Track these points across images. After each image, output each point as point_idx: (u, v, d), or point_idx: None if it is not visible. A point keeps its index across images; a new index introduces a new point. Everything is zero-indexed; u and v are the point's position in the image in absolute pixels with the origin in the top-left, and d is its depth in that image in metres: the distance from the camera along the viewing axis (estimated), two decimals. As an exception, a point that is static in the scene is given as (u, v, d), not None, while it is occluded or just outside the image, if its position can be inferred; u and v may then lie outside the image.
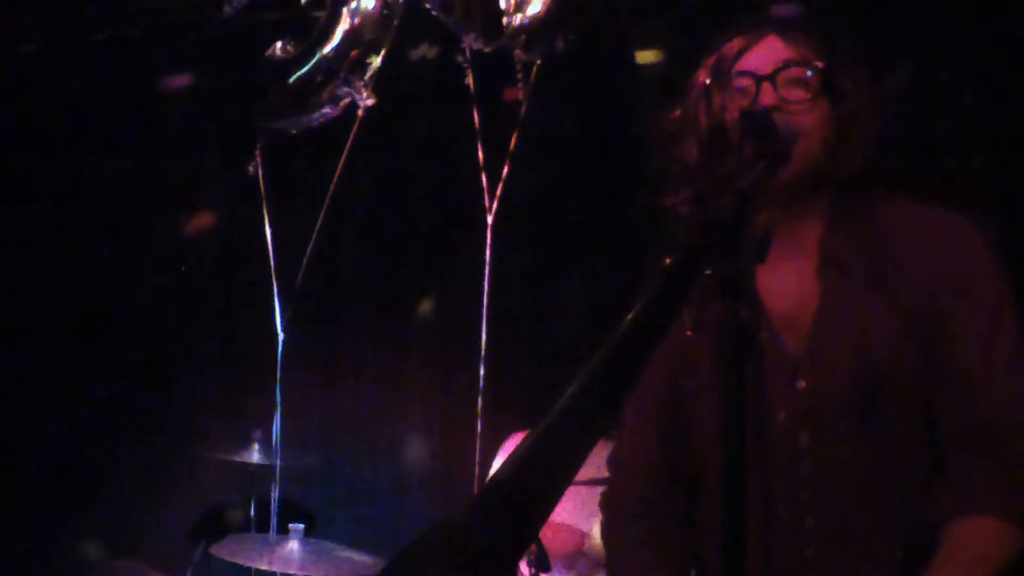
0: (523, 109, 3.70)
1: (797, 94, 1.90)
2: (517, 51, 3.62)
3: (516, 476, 1.11)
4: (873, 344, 1.88)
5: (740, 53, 1.95)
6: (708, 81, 1.95)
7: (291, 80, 3.58)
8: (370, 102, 3.50)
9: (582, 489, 4.50)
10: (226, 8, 3.73)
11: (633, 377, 1.21)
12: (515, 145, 3.76)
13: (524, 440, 1.13)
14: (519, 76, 3.67)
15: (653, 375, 2.07)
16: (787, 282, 1.94)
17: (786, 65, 1.91)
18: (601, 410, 1.18)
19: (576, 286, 5.00)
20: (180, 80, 5.33)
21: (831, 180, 1.95)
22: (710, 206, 1.39)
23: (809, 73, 1.91)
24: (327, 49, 3.61)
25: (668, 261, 1.24)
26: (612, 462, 2.26)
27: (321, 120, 3.62)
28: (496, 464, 4.82)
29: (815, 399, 1.89)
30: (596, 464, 4.53)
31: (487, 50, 3.59)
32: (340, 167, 3.79)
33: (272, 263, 3.60)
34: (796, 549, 1.91)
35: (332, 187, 3.82)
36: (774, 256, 1.52)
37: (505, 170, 3.77)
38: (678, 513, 2.12)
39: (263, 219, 3.66)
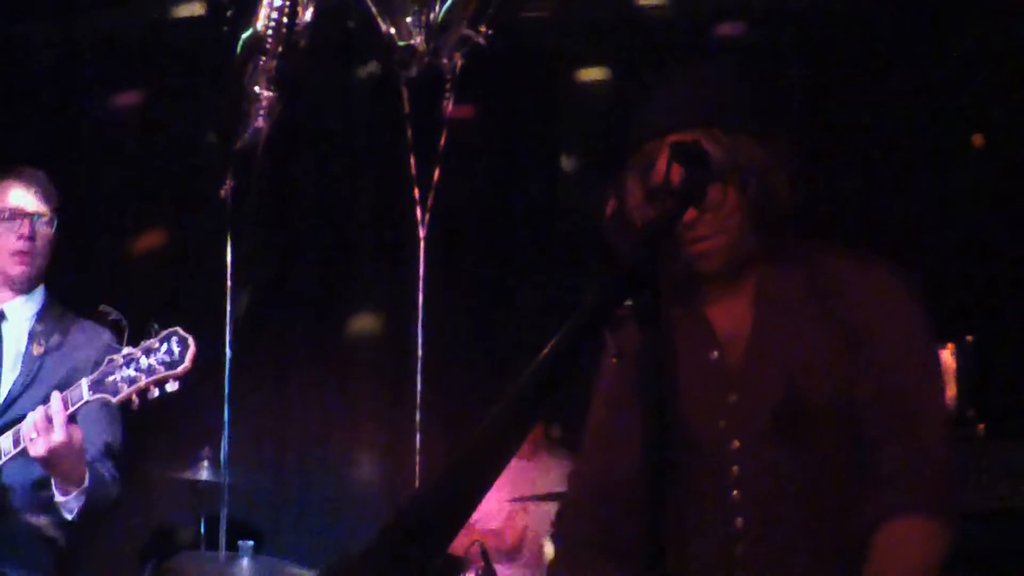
0: (448, 111, 3.75)
1: (711, 195, 1.95)
2: (444, 59, 3.69)
3: (426, 497, 1.25)
4: (799, 366, 2.01)
5: (646, 170, 2.00)
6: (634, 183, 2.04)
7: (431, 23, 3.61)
8: (481, 40, 3.58)
9: (512, 474, 4.57)
10: None
11: (545, 402, 1.32)
12: (445, 154, 3.82)
13: (449, 456, 1.28)
14: (447, 83, 3.73)
15: (597, 400, 2.22)
16: (728, 308, 2.09)
17: (686, 181, 1.93)
18: (515, 432, 1.32)
19: (518, 295, 5.06)
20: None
21: (755, 252, 2.05)
22: (631, 243, 1.47)
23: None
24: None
25: (592, 289, 1.34)
26: (568, 490, 2.35)
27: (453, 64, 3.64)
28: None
29: (745, 410, 2.03)
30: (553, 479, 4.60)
31: (420, 50, 3.64)
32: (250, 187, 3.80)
33: (229, 282, 3.62)
34: (726, 548, 2.01)
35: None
36: (717, 287, 1.92)
37: (436, 176, 3.82)
38: (623, 529, 2.17)
39: (224, 238, 3.68)
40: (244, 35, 4.00)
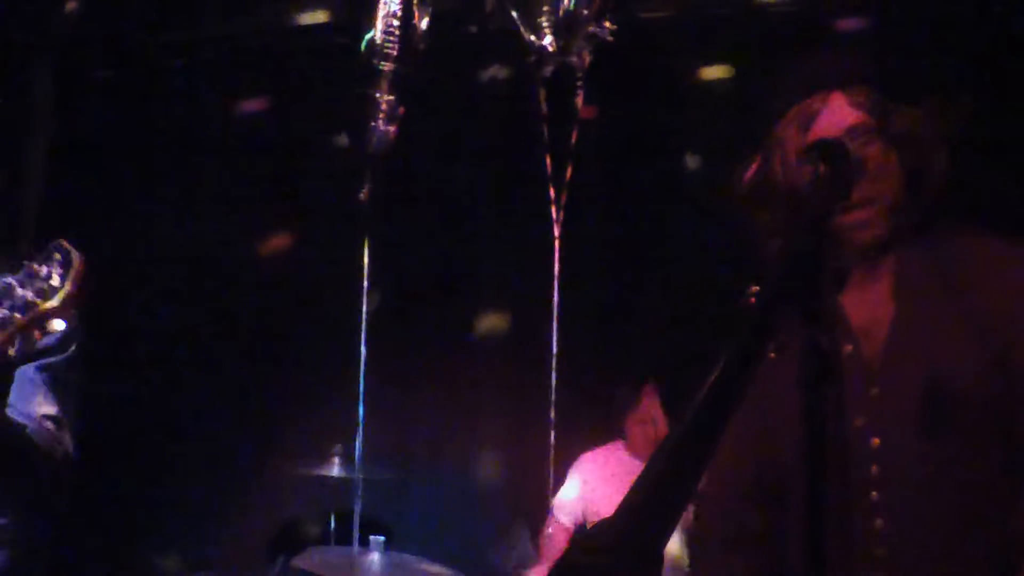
0: (579, 110, 3.76)
1: (869, 151, 1.96)
2: (573, 57, 3.70)
3: (640, 503, 1.28)
4: (944, 357, 1.95)
5: (810, 119, 2.01)
6: (783, 142, 2.02)
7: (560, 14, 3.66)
8: (609, 37, 3.62)
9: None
10: None
11: (733, 408, 1.33)
12: (576, 151, 3.83)
13: (643, 473, 1.30)
14: (578, 80, 3.74)
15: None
16: (865, 297, 2.02)
17: (852, 133, 1.96)
18: (708, 441, 1.32)
19: (647, 294, 5.05)
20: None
21: (910, 222, 2.01)
22: (789, 238, 1.46)
23: (875, 130, 1.97)
24: None
25: (754, 289, 1.33)
26: (704, 489, 2.33)
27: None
28: (568, 483, 4.87)
29: (887, 404, 1.97)
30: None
31: (553, 50, 3.67)
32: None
33: (365, 283, 3.68)
34: (866, 549, 1.97)
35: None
36: (854, 277, 1.78)
37: (568, 174, 3.83)
38: (758, 530, 2.17)
39: (361, 241, 3.75)
40: (364, 40, 4.07)
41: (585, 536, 1.25)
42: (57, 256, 2.14)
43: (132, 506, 5.36)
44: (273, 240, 5.49)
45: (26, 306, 2.10)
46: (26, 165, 5.58)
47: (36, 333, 2.14)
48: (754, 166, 2.09)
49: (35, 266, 2.12)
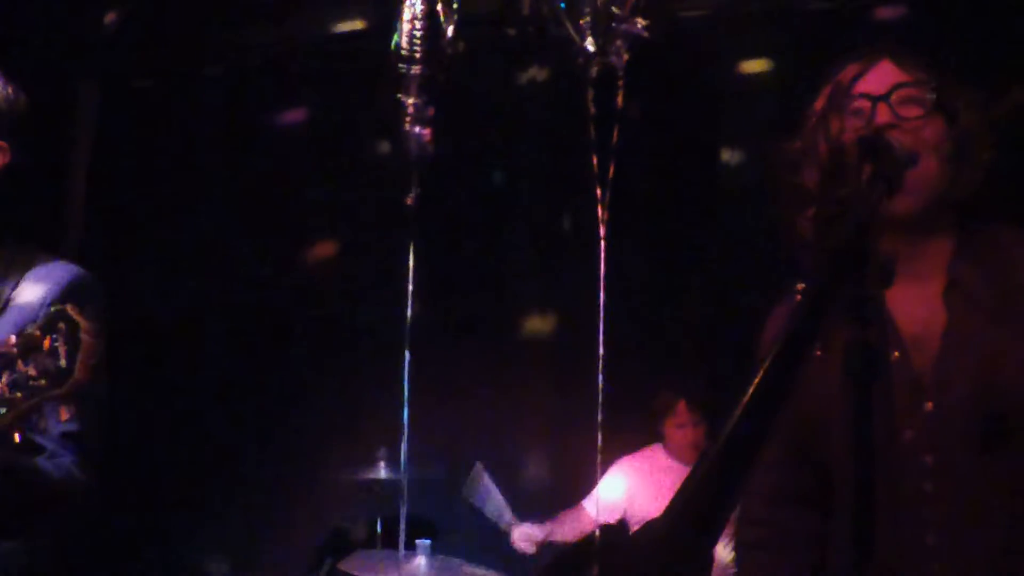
0: (621, 109, 3.75)
1: (912, 111, 1.94)
2: (612, 57, 3.70)
3: (688, 505, 1.28)
4: (1000, 369, 1.88)
5: (855, 78, 1.99)
6: (825, 106, 2.00)
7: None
8: (646, 34, 3.62)
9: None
10: None
11: (781, 409, 1.30)
12: (620, 150, 3.81)
13: (690, 475, 1.30)
14: (619, 80, 3.73)
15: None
16: (913, 303, 1.95)
17: (900, 85, 1.95)
18: (759, 438, 1.30)
19: (685, 290, 5.04)
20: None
21: (951, 202, 1.97)
22: (834, 231, 1.43)
23: (923, 92, 1.94)
24: None
25: (800, 287, 1.31)
26: (749, 494, 2.30)
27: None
28: (609, 482, 4.88)
29: (941, 420, 1.90)
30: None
31: (593, 50, 3.67)
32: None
33: (410, 286, 3.68)
34: (917, 566, 1.92)
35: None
36: (899, 277, 1.57)
37: (611, 174, 3.81)
38: (803, 532, 2.14)
39: (406, 245, 3.74)
40: (392, 42, 4.08)
41: (633, 538, 1.26)
42: (61, 326, 1.81)
43: (181, 511, 5.40)
44: (318, 246, 5.53)
45: (28, 387, 1.80)
46: (70, 174, 5.64)
47: (41, 421, 1.89)
48: (797, 140, 2.06)
49: (36, 333, 1.82)
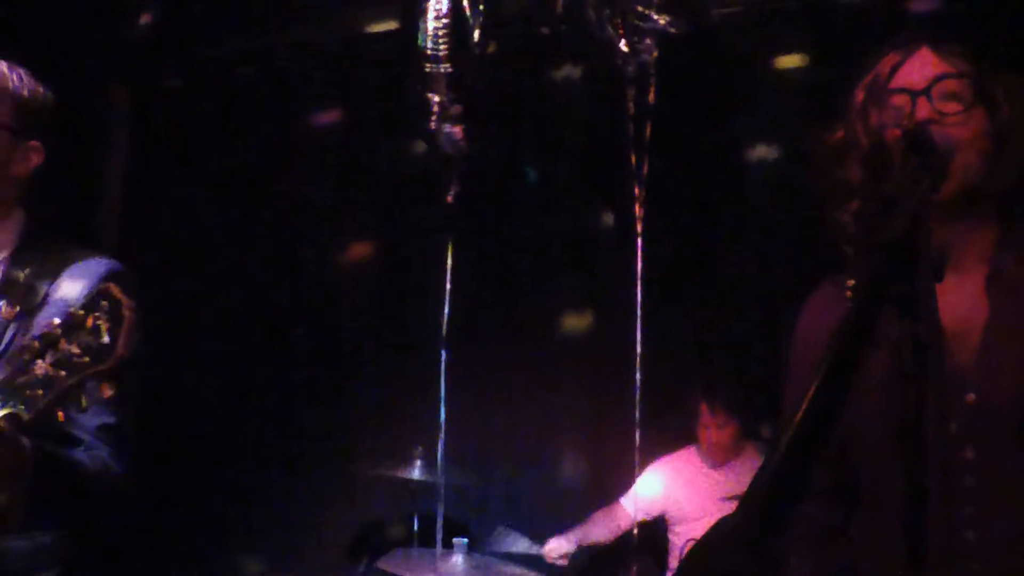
0: (653, 106, 3.74)
1: (952, 106, 1.92)
2: (643, 54, 3.69)
3: (768, 490, 1.29)
4: None
5: (894, 69, 1.98)
6: (865, 99, 1.99)
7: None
8: (673, 30, 3.62)
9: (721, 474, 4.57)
10: None
11: (839, 410, 1.31)
12: (651, 146, 3.80)
13: (766, 463, 1.31)
14: (651, 76, 3.73)
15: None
16: (955, 294, 1.93)
17: (939, 78, 1.93)
18: (822, 434, 1.30)
19: (717, 286, 5.02)
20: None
21: (991, 192, 1.95)
22: (883, 226, 1.43)
23: (963, 85, 1.93)
24: None
25: (850, 283, 1.31)
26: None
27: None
28: (647, 482, 4.88)
29: (984, 413, 1.89)
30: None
31: (627, 49, 3.66)
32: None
33: (448, 285, 3.69)
34: (956, 561, 1.90)
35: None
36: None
37: (645, 171, 3.80)
38: (833, 526, 2.13)
39: (445, 243, 3.75)
40: (419, 40, 4.09)
41: (708, 535, 1.28)
42: (104, 304, 1.82)
43: (218, 509, 5.43)
44: (355, 246, 5.54)
45: (71, 364, 1.81)
46: (104, 174, 5.68)
47: (83, 398, 1.85)
48: (838, 131, 2.05)
49: (80, 312, 1.83)
